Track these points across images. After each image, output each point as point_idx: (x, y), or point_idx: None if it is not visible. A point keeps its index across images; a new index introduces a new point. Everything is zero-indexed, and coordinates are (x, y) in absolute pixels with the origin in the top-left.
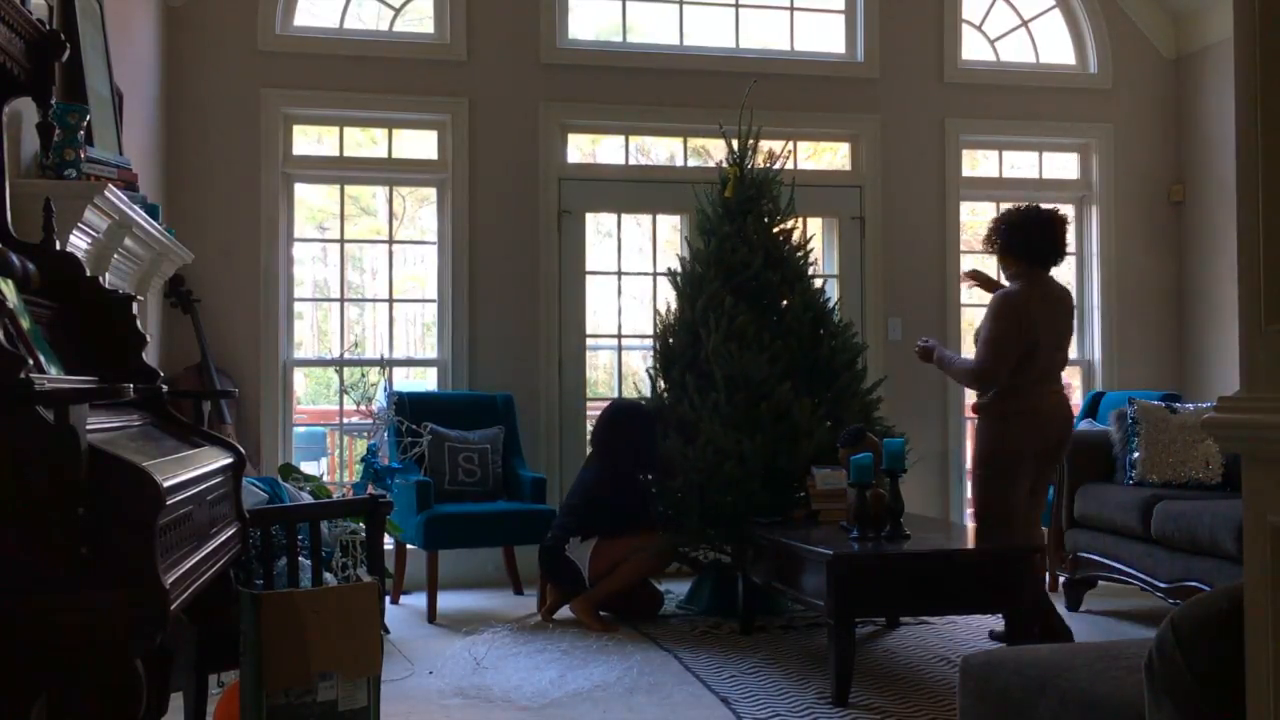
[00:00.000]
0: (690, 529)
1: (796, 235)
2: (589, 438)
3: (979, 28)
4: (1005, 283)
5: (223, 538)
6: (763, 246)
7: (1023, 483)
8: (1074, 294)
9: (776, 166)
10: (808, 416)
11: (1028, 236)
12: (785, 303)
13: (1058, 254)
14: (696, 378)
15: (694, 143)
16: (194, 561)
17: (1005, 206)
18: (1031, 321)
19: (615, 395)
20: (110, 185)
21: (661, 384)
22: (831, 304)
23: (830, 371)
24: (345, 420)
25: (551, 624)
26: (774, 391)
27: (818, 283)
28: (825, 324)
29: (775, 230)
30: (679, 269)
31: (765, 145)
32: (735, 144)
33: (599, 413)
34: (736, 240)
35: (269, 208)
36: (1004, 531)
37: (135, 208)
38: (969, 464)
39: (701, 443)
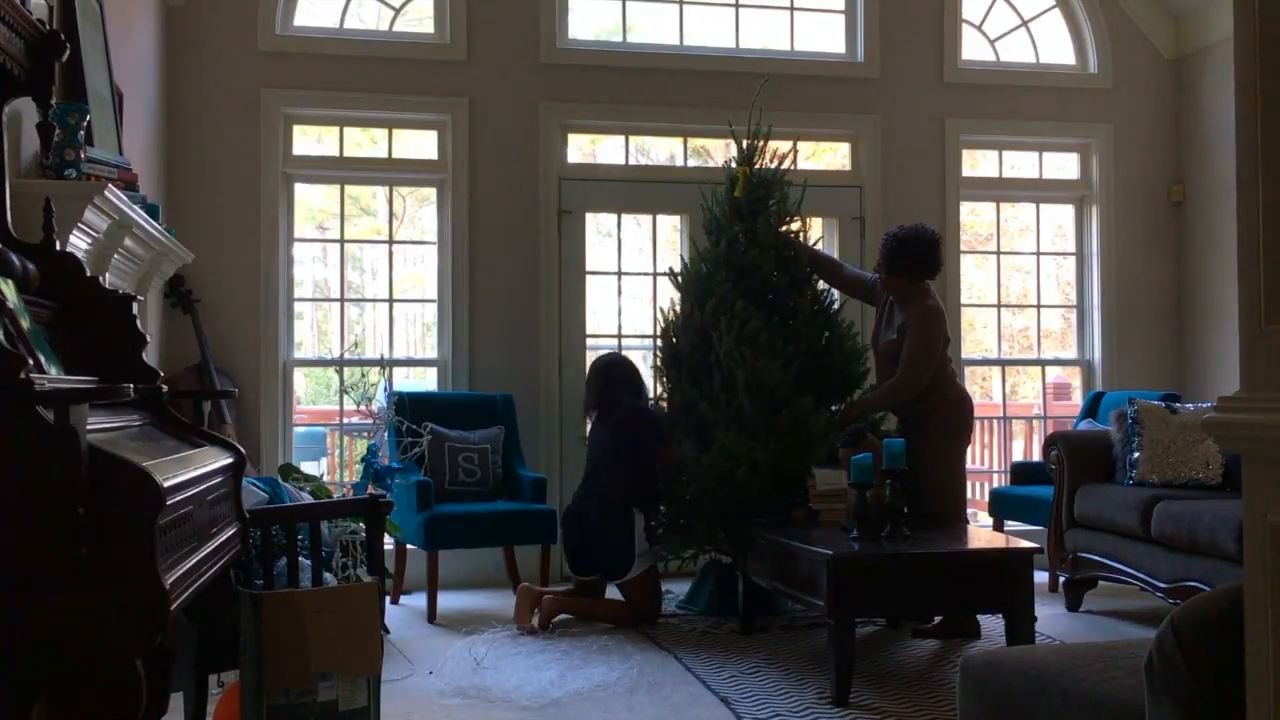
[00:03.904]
0: (700, 533)
1: (803, 237)
2: (586, 401)
3: (979, 28)
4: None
5: (223, 538)
6: (773, 248)
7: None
8: (1074, 294)
9: (786, 166)
10: (824, 425)
11: (924, 253)
12: (793, 305)
13: (940, 267)
14: (709, 381)
15: (694, 143)
16: (194, 562)
17: (1005, 208)
18: (946, 326)
19: None
20: (110, 185)
21: (665, 382)
22: (836, 306)
23: (843, 377)
24: (345, 420)
25: (552, 628)
26: (792, 401)
27: (821, 284)
28: (832, 327)
29: (783, 231)
30: (681, 268)
31: (772, 145)
32: (744, 143)
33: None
34: (747, 241)
35: (269, 208)
36: (962, 507)
37: (135, 208)
38: (923, 455)
39: (716, 449)
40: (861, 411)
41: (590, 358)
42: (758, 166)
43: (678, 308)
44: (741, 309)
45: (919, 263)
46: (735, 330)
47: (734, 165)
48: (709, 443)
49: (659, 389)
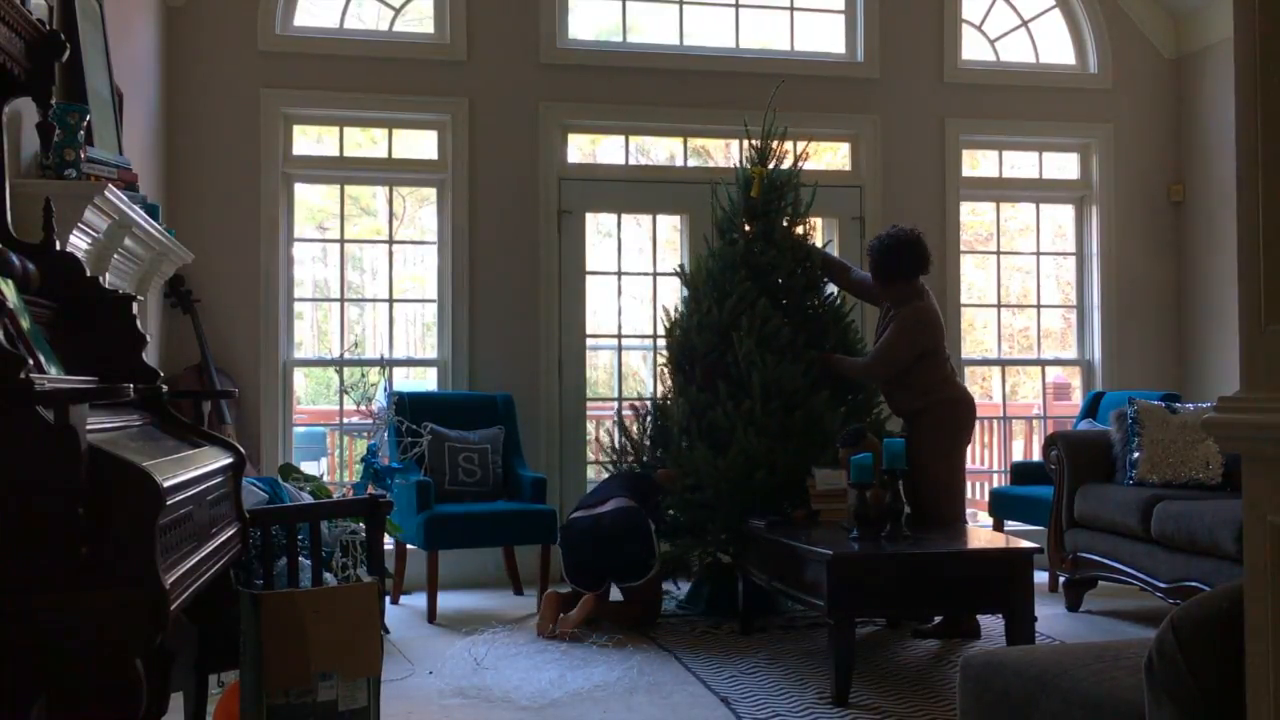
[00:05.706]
0: (713, 535)
1: (809, 238)
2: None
3: (979, 28)
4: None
5: (223, 538)
6: (789, 249)
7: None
8: (1074, 294)
9: (799, 166)
10: (839, 424)
11: (910, 254)
12: (809, 305)
13: (928, 262)
14: (728, 383)
15: (694, 143)
16: (194, 561)
17: (1005, 208)
18: (938, 328)
19: (615, 395)
20: (110, 185)
21: (669, 383)
22: (846, 309)
23: (848, 377)
24: (345, 420)
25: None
26: (808, 401)
27: (831, 287)
28: (843, 329)
29: (794, 231)
30: (688, 266)
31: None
32: (758, 143)
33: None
34: (763, 242)
35: (269, 208)
36: (962, 507)
37: (135, 208)
38: (921, 454)
39: (734, 452)
40: (832, 364)
41: (590, 358)
42: (771, 167)
43: (683, 306)
44: (764, 308)
45: (907, 264)
46: (756, 330)
47: (749, 166)
48: (724, 446)
49: (661, 389)
